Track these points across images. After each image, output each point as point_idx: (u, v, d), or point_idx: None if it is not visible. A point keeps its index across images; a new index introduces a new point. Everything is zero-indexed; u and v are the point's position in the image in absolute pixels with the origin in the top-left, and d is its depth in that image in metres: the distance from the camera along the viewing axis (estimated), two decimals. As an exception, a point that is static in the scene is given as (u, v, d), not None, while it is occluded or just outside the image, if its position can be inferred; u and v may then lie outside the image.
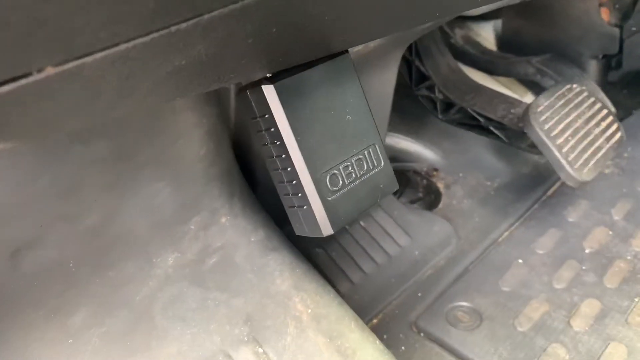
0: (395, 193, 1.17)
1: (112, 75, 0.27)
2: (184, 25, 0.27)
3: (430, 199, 1.16)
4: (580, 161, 0.83)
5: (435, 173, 1.23)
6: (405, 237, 1.02)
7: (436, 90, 1.04)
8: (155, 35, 0.26)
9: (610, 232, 1.00)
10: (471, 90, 1.02)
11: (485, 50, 1.19)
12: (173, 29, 0.27)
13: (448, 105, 1.04)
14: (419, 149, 1.28)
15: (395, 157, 1.27)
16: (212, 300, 0.57)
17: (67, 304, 0.50)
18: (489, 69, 1.18)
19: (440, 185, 1.20)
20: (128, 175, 0.51)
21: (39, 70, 0.24)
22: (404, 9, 0.40)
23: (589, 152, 0.85)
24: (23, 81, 0.24)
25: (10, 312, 0.46)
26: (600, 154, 0.85)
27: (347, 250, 0.99)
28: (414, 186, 1.19)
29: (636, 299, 0.86)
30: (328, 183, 0.44)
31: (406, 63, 1.06)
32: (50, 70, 0.25)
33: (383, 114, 0.98)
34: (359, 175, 0.46)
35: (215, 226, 0.60)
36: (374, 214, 1.03)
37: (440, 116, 1.05)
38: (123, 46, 0.26)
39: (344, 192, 0.45)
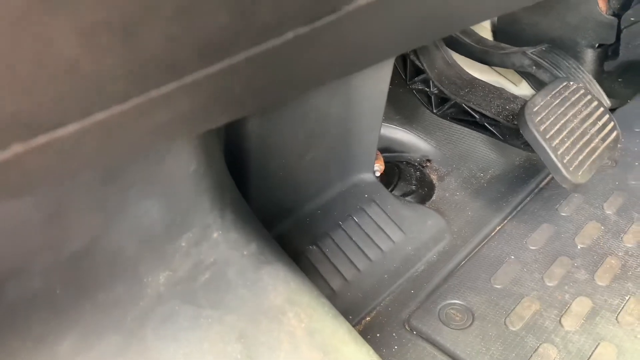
0: (388, 185, 1.16)
1: (87, 141, 0.25)
2: (164, 88, 0.25)
3: (424, 191, 1.16)
4: (576, 163, 0.82)
5: (428, 164, 1.22)
6: (398, 233, 1.01)
7: (431, 85, 1.02)
8: (134, 100, 0.25)
9: (602, 227, 1.00)
10: (466, 85, 1.00)
11: (480, 40, 1.17)
12: (153, 92, 0.25)
13: (442, 100, 1.02)
14: (412, 139, 1.26)
15: (388, 147, 1.26)
16: (204, 318, 0.56)
17: (55, 330, 0.49)
18: (484, 59, 1.16)
19: (434, 177, 1.19)
20: (114, 197, 0.50)
21: (4, 148, 0.23)
22: (403, 37, 0.38)
23: (585, 153, 0.84)
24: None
25: (-3, 342, 0.45)
26: (595, 155, 0.84)
27: (340, 246, 0.98)
28: (407, 178, 1.18)
29: (627, 297, 0.87)
30: None
31: (401, 57, 1.04)
32: (17, 147, 0.23)
33: (377, 111, 0.96)
34: None
35: (207, 242, 0.59)
36: (367, 209, 1.03)
37: (434, 111, 1.04)
38: (99, 115, 0.24)
39: None
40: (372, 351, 0.62)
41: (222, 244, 0.60)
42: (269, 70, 0.29)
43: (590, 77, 1.10)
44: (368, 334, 0.86)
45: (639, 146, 1.20)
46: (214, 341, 0.55)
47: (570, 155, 0.82)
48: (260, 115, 0.81)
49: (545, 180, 1.14)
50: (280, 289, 0.60)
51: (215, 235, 0.59)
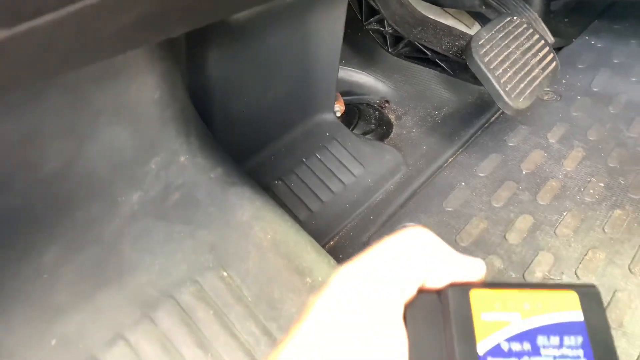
0: (349, 125, 1.22)
1: (63, 33, 0.29)
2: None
3: (382, 130, 1.22)
4: (517, 91, 0.88)
5: (386, 105, 1.28)
6: (359, 167, 1.07)
7: (386, 25, 1.06)
8: (104, -7, 0.29)
9: (545, 154, 1.09)
10: (419, 24, 1.05)
11: (433, -19, 1.21)
12: (121, -12, 0.29)
13: (397, 39, 1.07)
14: (371, 82, 1.31)
15: (349, 90, 1.31)
16: (177, 233, 0.61)
17: (38, 244, 0.53)
18: (436, 1, 1.20)
19: (392, 117, 1.25)
20: (85, 122, 0.54)
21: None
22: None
23: (525, 81, 0.90)
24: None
25: (-15, 253, 0.50)
26: (535, 84, 0.91)
27: (304, 181, 1.04)
28: (366, 118, 1.24)
29: (564, 213, 0.96)
30: None
31: (355, -3, 1.08)
32: (3, 33, 0.27)
33: (334, 51, 1.00)
34: None
35: (175, 165, 0.63)
36: (329, 147, 1.08)
37: (390, 50, 1.08)
38: (72, 7, 0.28)
39: None
40: (332, 260, 0.69)
41: (189, 168, 0.64)
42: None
43: (536, 15, 1.16)
44: (331, 256, 0.93)
45: (581, 81, 1.28)
46: (187, 253, 0.61)
47: (512, 84, 0.89)
48: (221, 55, 0.85)
49: (495, 116, 1.21)
50: (247, 207, 0.66)
51: (182, 159, 0.64)
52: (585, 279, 0.85)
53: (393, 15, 1.06)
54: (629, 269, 0.86)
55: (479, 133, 1.17)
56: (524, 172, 1.05)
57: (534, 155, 1.09)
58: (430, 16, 1.19)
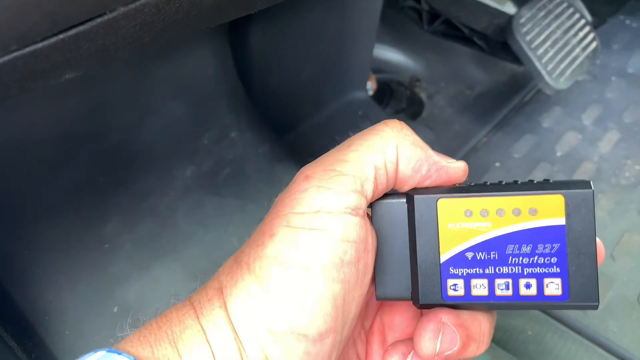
0: (380, 104, 1.21)
1: (166, 10, 0.30)
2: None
3: (414, 109, 1.21)
4: (558, 71, 0.88)
5: (417, 83, 1.27)
6: (391, 146, 1.08)
7: (422, 1, 1.05)
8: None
9: (580, 136, 1.08)
10: (456, 2, 1.04)
11: (469, -42, 1.19)
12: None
13: (433, 17, 1.06)
14: (402, 60, 1.31)
15: (379, 68, 1.30)
16: (228, 207, 0.63)
17: (100, 214, 0.55)
18: (473, -23, 1.18)
19: (423, 96, 1.25)
20: (146, 96, 0.54)
21: (112, 10, 0.28)
22: None
23: (566, 62, 0.90)
24: (98, 19, 0.27)
25: (52, 221, 0.51)
26: (576, 64, 0.91)
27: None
28: (398, 97, 1.23)
29: (599, 196, 0.96)
30: None
31: (393, -27, 1.06)
32: (121, 10, 0.28)
33: (370, 29, 1.00)
34: None
35: (226, 140, 0.64)
36: (362, 125, 1.08)
37: (425, 27, 1.08)
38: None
39: None
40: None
41: (239, 143, 0.65)
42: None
43: (574, -7, 1.14)
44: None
45: (616, 62, 1.26)
46: (237, 226, 0.62)
47: (553, 64, 0.88)
48: (261, 30, 0.85)
49: (529, 96, 1.20)
50: (293, 182, 0.67)
51: (232, 134, 0.65)
52: (621, 260, 0.85)
53: (430, -8, 1.05)
54: (665, 252, 0.86)
55: (512, 113, 1.16)
56: (558, 154, 1.05)
57: (568, 137, 1.08)
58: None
